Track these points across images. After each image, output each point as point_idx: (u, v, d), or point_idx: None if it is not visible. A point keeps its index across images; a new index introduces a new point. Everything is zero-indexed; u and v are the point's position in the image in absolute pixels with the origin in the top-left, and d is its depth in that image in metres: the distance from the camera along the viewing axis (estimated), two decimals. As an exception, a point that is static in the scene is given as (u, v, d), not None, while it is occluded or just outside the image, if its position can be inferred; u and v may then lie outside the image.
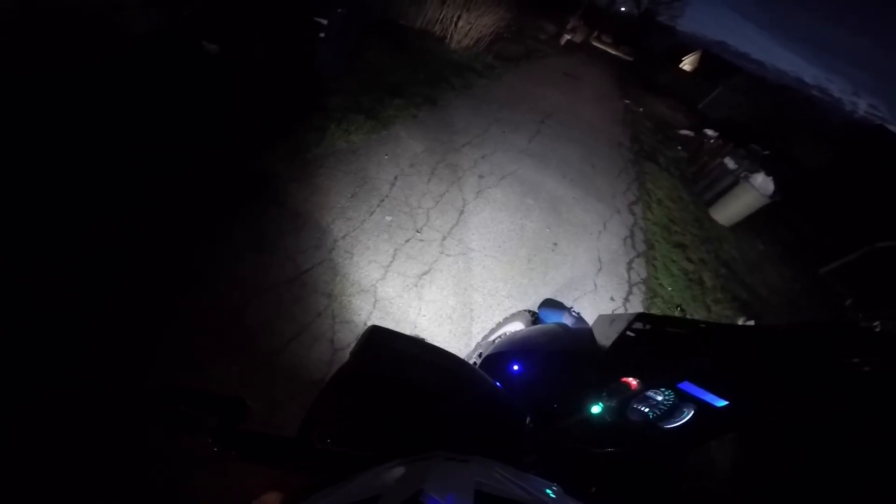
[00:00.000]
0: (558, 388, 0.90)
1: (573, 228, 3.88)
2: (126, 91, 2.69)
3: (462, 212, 3.29)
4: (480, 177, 3.92)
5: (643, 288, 3.54)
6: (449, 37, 8.21)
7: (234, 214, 2.32)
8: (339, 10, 4.21)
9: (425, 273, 2.60)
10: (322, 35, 4.16)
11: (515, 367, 0.94)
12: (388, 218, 2.79)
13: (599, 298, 3.15)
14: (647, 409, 0.84)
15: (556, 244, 3.52)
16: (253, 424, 0.52)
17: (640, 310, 3.05)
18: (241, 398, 0.51)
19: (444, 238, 2.89)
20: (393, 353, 0.73)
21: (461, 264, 2.81)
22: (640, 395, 0.82)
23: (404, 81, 5.00)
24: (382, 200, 2.94)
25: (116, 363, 1.60)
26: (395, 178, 3.25)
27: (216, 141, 2.72)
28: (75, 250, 1.85)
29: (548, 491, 0.54)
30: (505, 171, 4.21)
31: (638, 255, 3.97)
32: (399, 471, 0.52)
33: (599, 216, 4.30)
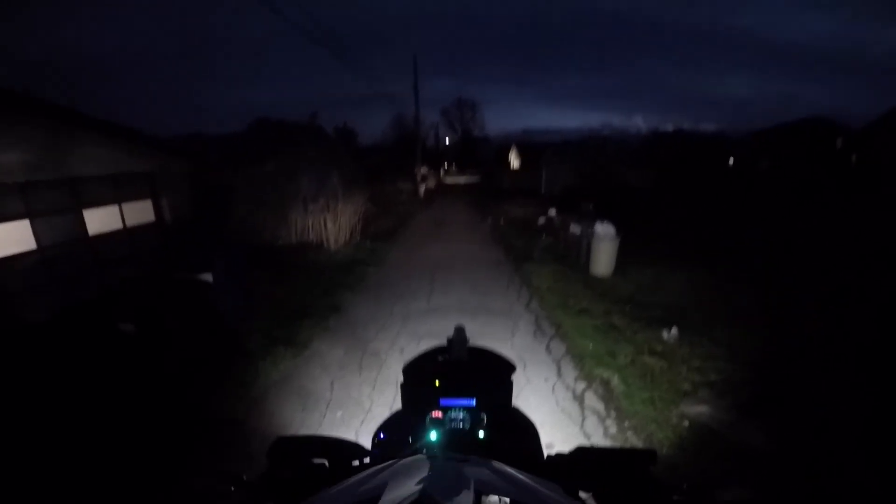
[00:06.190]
0: (405, 434, 1.23)
1: (489, 353, 5.20)
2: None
3: (397, 384, 4.42)
4: (401, 350, 5.10)
5: (568, 358, 4.72)
6: (325, 241, 10.29)
7: (201, 455, 3.17)
8: (218, 262, 5.46)
9: (387, 444, 3.59)
10: (213, 290, 5.28)
11: (381, 436, 1.32)
12: (339, 413, 3.81)
13: (535, 386, 4.18)
14: (461, 426, 1.20)
15: (480, 373, 4.75)
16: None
17: (575, 375, 4.30)
18: (240, 474, 0.89)
19: (391, 408, 3.95)
20: (295, 446, 1.10)
21: (412, 424, 3.85)
22: (446, 419, 1.20)
23: (305, 301, 6.48)
24: (329, 403, 3.98)
25: None
26: (332, 382, 4.35)
27: (173, 406, 3.72)
28: None
29: (547, 491, 0.62)
30: (418, 334, 5.54)
31: (551, 339, 5.27)
32: (399, 471, 0.64)
33: (506, 329, 5.63)
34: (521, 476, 0.68)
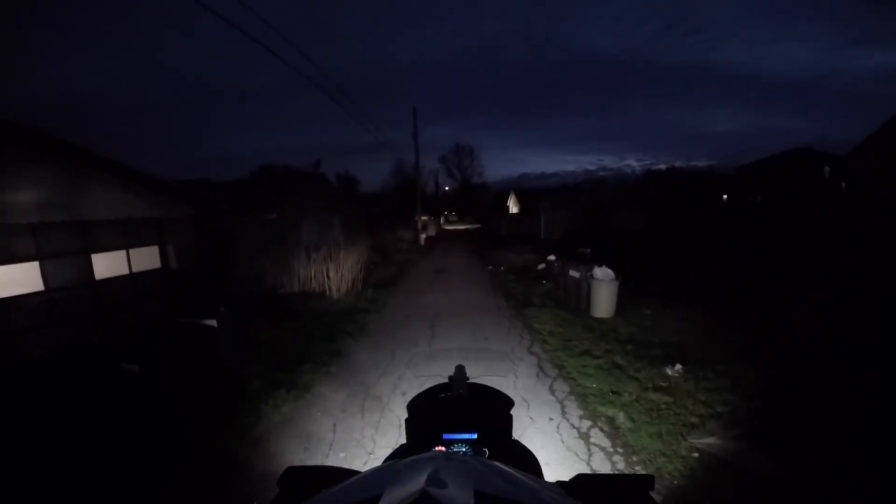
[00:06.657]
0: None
1: (493, 396, 5.23)
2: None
3: (400, 426, 4.42)
4: (404, 394, 5.11)
5: (572, 397, 4.76)
6: (328, 290, 10.42)
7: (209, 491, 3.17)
8: (222, 308, 5.61)
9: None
10: (217, 335, 5.42)
11: None
12: (342, 454, 3.80)
13: (539, 426, 4.12)
14: None
15: (483, 415, 4.77)
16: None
17: (580, 414, 4.32)
18: (251, 500, 1.27)
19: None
20: (305, 475, 1.10)
21: (415, 465, 3.86)
22: (450, 454, 1.21)
23: (306, 346, 6.53)
24: (331, 445, 3.97)
25: None
26: (334, 425, 4.36)
27: (174, 443, 3.75)
28: None
29: (549, 491, 0.63)
30: (421, 377, 5.57)
31: (554, 380, 5.30)
32: (399, 471, 0.65)
33: (509, 370, 5.66)
34: (522, 476, 0.69)
